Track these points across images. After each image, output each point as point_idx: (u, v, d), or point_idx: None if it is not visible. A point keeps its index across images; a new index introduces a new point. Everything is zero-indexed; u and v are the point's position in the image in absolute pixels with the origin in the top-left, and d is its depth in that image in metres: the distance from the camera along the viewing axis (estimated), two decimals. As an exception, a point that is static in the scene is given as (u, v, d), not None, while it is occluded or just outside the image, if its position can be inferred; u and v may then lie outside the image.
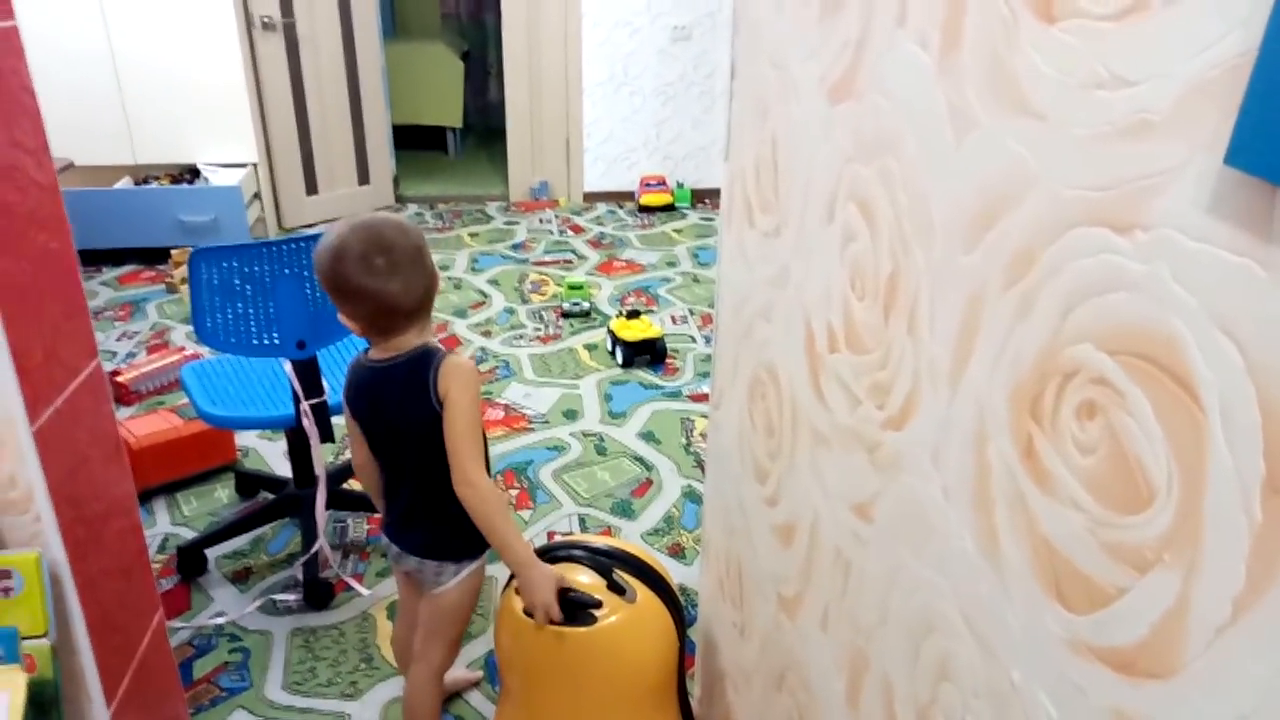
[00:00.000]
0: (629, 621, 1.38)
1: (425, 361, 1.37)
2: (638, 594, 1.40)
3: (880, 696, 0.81)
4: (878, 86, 0.76)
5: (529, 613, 1.36)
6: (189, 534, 2.36)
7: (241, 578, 2.24)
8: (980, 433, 0.63)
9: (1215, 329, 0.42)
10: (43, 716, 1.15)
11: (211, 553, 2.29)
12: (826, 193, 0.89)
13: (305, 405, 2.02)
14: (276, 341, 1.99)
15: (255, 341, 1.98)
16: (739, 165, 1.22)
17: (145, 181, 4.23)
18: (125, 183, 4.22)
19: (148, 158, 4.22)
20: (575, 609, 1.35)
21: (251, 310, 1.96)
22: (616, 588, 1.38)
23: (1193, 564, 0.43)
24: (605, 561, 1.43)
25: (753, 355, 1.19)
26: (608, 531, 2.36)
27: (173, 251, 3.93)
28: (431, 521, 1.43)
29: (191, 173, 4.27)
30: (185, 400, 2.99)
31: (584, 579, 1.40)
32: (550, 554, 1.45)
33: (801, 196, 0.97)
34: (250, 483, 2.55)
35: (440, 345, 1.42)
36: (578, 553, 1.44)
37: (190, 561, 2.22)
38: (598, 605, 1.36)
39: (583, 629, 1.35)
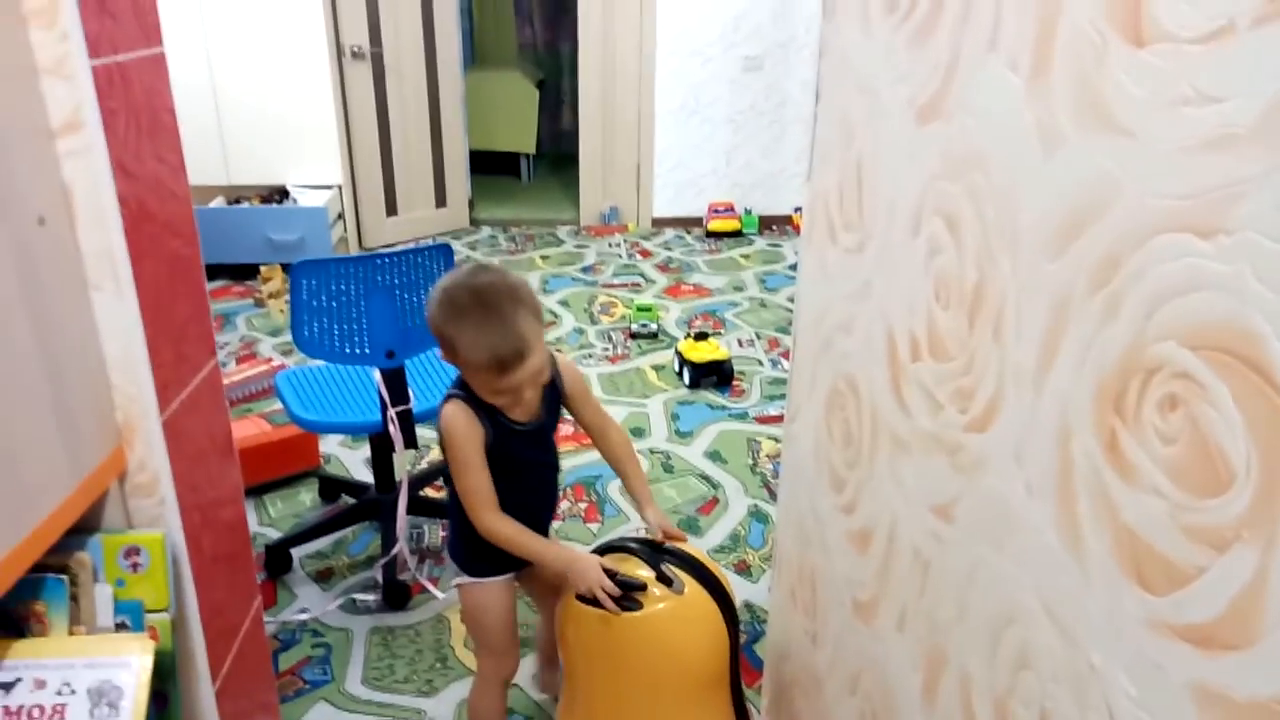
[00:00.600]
0: (675, 611, 1.42)
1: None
2: (686, 587, 1.43)
3: (958, 690, 0.84)
4: (967, 107, 0.81)
5: (583, 599, 1.43)
6: (274, 534, 2.47)
7: (324, 577, 2.33)
8: (1064, 430, 0.67)
9: (1294, 322, 0.46)
10: (161, 685, 1.24)
11: (296, 552, 2.39)
12: (912, 209, 0.94)
13: (392, 412, 2.12)
14: (367, 351, 2.09)
15: (347, 350, 2.09)
16: (822, 185, 1.27)
17: (237, 201, 4.44)
18: (219, 202, 4.45)
19: (241, 179, 4.44)
20: (622, 595, 1.41)
21: (345, 321, 2.06)
22: (664, 579, 1.43)
23: (1271, 539, 0.47)
24: (656, 554, 1.47)
25: (831, 368, 1.24)
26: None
27: (261, 268, 4.12)
28: (453, 524, 1.57)
29: (280, 193, 4.48)
30: (273, 408, 3.14)
31: (635, 570, 1.46)
32: (605, 547, 1.53)
33: (887, 213, 1.02)
34: (333, 487, 2.66)
35: (458, 392, 1.44)
36: (631, 545, 1.51)
37: (277, 560, 2.32)
38: (642, 589, 1.41)
39: (629, 614, 1.40)
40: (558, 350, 3.61)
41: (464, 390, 1.43)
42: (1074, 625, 0.65)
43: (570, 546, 1.48)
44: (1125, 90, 0.59)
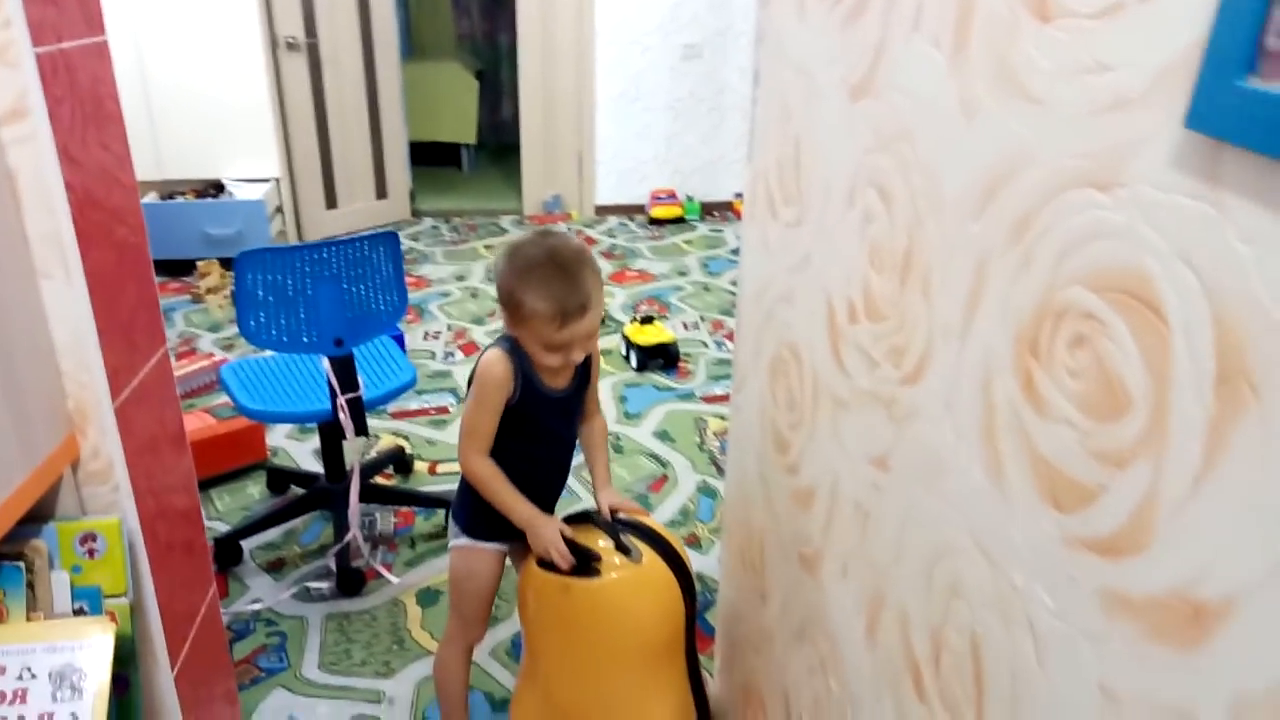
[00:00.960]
0: (632, 581, 1.45)
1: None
2: (644, 557, 1.46)
3: (897, 626, 0.91)
4: (895, 84, 0.87)
5: (543, 564, 1.47)
6: (223, 528, 2.45)
7: (275, 568, 2.33)
8: (987, 376, 0.73)
9: (1179, 262, 0.52)
10: (122, 669, 1.25)
11: (246, 545, 2.38)
12: (847, 182, 1.00)
13: (342, 400, 2.13)
14: (315, 339, 2.09)
15: (295, 339, 2.09)
16: (762, 165, 1.33)
17: (171, 196, 4.35)
18: (152, 197, 4.35)
19: (174, 173, 4.35)
20: (581, 562, 1.44)
21: (292, 310, 2.06)
22: (623, 548, 1.46)
23: (1161, 454, 0.53)
24: (615, 525, 1.51)
25: (774, 337, 1.29)
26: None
27: (198, 263, 4.05)
28: (461, 484, 1.60)
29: (216, 187, 4.40)
30: (216, 402, 3.10)
31: (595, 540, 1.49)
32: (568, 518, 1.56)
33: (823, 188, 1.08)
34: (281, 479, 2.65)
35: (505, 343, 1.48)
36: (593, 516, 1.54)
37: (226, 552, 2.31)
38: (598, 558, 1.44)
39: (587, 581, 1.44)
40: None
41: (510, 343, 1.46)
42: (999, 552, 0.72)
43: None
44: (1034, 62, 0.65)
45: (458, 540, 1.61)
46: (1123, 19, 0.56)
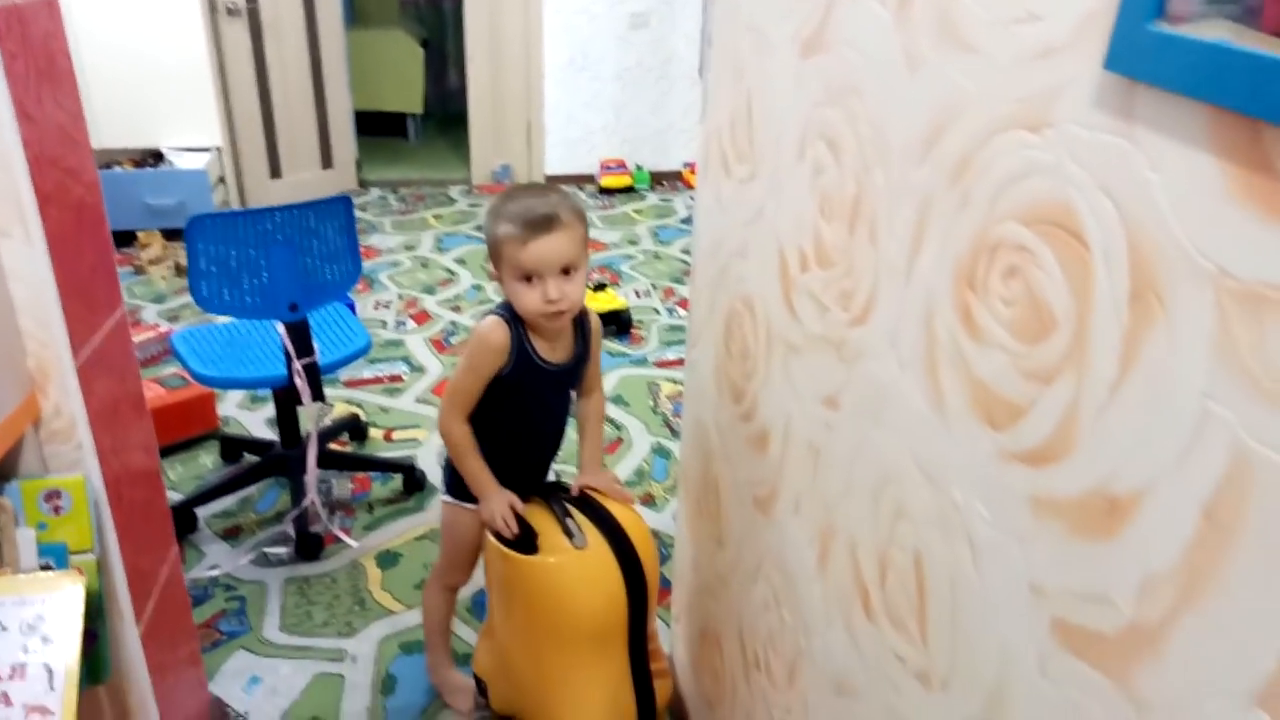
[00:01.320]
0: (569, 565, 1.44)
1: None
2: (588, 542, 1.45)
3: (846, 553, 0.97)
4: (844, 39, 0.92)
5: (495, 534, 1.50)
6: (177, 497, 2.44)
7: (232, 534, 2.33)
8: (929, 311, 0.78)
9: (1099, 193, 0.58)
10: (90, 623, 1.26)
11: (201, 513, 2.38)
12: (798, 136, 1.04)
13: (297, 365, 2.13)
14: (270, 305, 2.09)
15: (249, 304, 2.08)
16: (715, 124, 1.37)
17: (108, 166, 4.24)
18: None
19: (110, 142, 4.24)
20: (522, 537, 1.46)
21: (245, 275, 2.06)
22: (567, 531, 1.46)
23: (1083, 366, 0.59)
24: (565, 505, 1.51)
25: (728, 292, 1.34)
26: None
27: (139, 234, 3.97)
28: None
29: (155, 156, 4.30)
30: (165, 373, 3.06)
31: (544, 518, 1.50)
32: (534, 489, 1.58)
33: (775, 142, 1.12)
34: (234, 447, 2.64)
35: (503, 310, 1.47)
36: (550, 492, 1.55)
37: (181, 520, 2.31)
38: (533, 535, 1.45)
39: (523, 557, 1.44)
40: (455, 308, 3.64)
41: (508, 311, 1.46)
42: (940, 472, 0.78)
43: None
44: (973, 13, 0.70)
45: (444, 496, 1.67)
46: (1051, -28, 0.61)
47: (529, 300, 1.40)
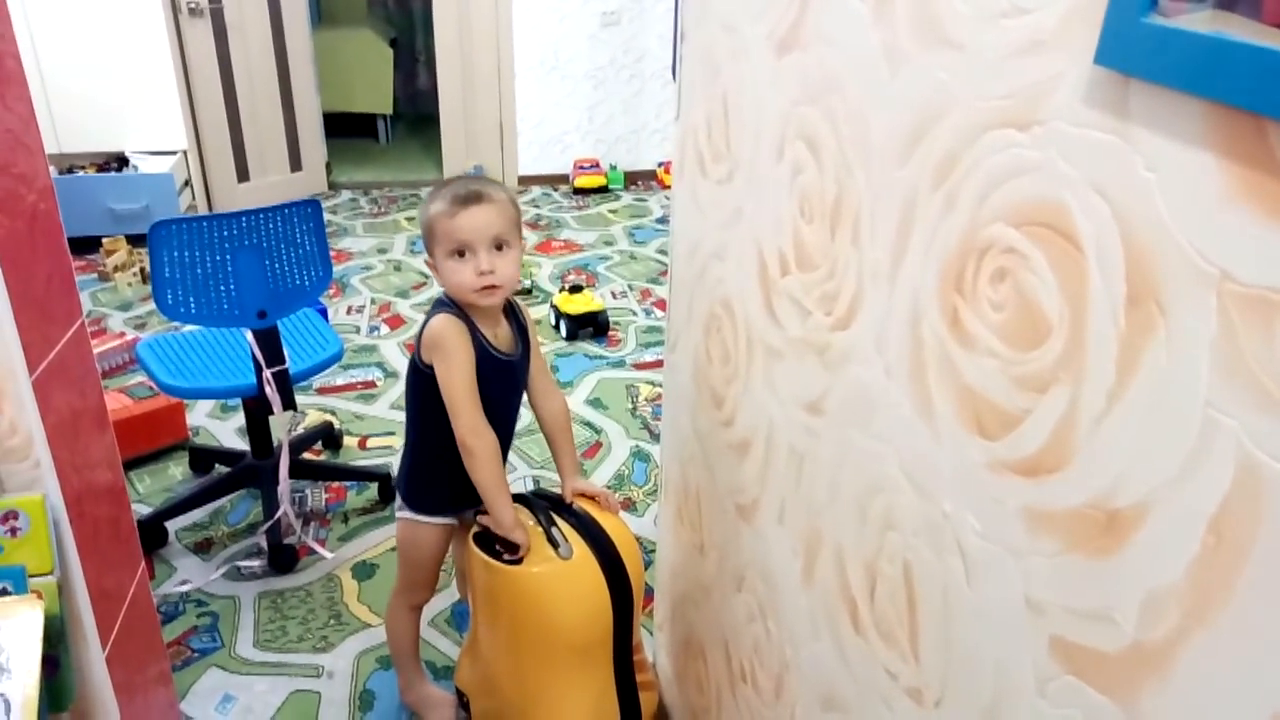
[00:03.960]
0: (553, 576, 1.41)
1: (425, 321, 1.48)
2: (574, 553, 1.42)
3: (833, 563, 0.94)
4: (822, 36, 0.89)
5: (476, 540, 1.46)
6: (145, 510, 2.38)
7: (203, 548, 2.28)
8: (915, 315, 0.76)
9: (1092, 192, 0.55)
10: (51, 649, 1.21)
11: (171, 526, 2.32)
12: (775, 135, 1.02)
13: (267, 373, 2.08)
14: (237, 312, 2.04)
15: (216, 312, 2.03)
16: (690, 123, 1.34)
17: (70, 170, 4.15)
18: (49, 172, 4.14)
19: (72, 146, 4.15)
20: (504, 547, 1.43)
21: (212, 282, 2.00)
22: (552, 541, 1.43)
23: (1079, 374, 0.57)
24: (550, 514, 1.47)
25: (707, 294, 1.32)
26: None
27: (104, 240, 3.88)
28: (405, 454, 1.59)
29: (119, 161, 4.21)
30: (132, 382, 3.00)
31: (530, 525, 1.46)
32: (513, 499, 1.54)
33: (752, 142, 1.10)
34: (204, 458, 2.59)
35: (441, 307, 1.46)
36: (535, 502, 1.51)
37: (150, 534, 2.25)
38: (514, 549, 1.41)
39: (508, 567, 1.41)
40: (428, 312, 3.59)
41: (446, 305, 1.45)
42: (929, 482, 0.75)
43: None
44: (955, 8, 0.68)
45: (401, 511, 1.61)
46: (1037, -36, 0.59)
47: (462, 276, 1.39)
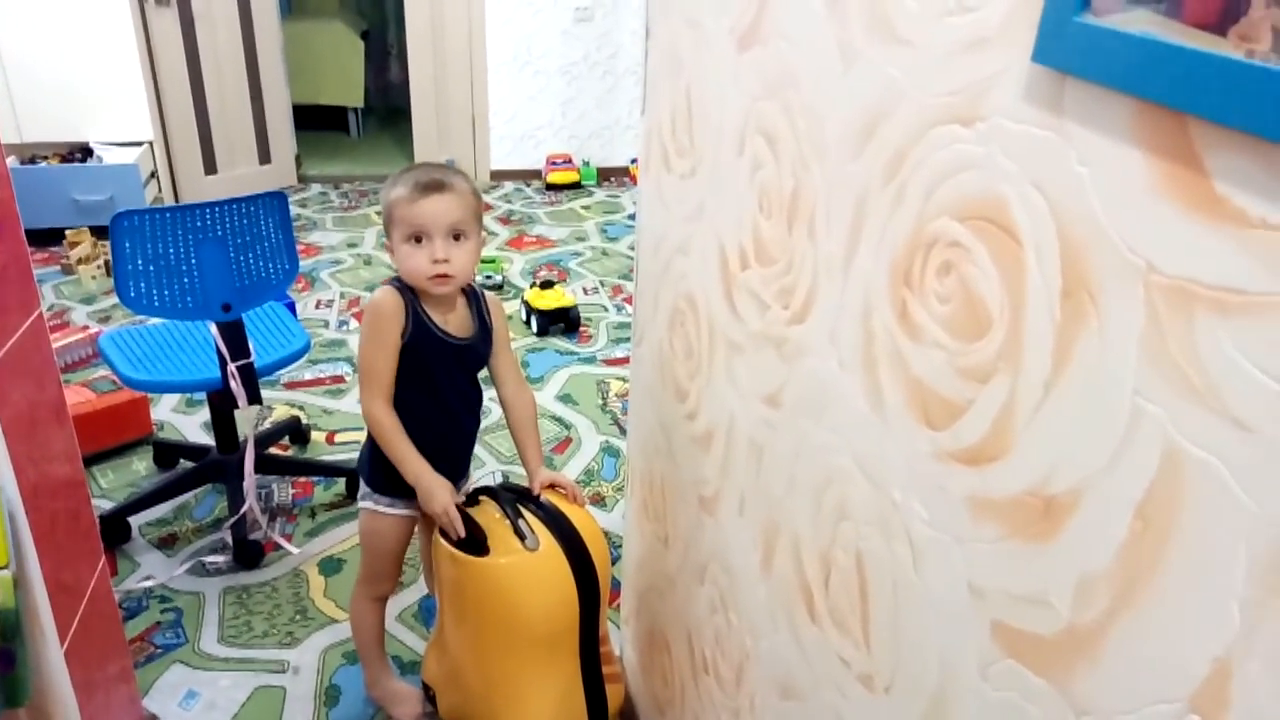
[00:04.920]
0: (521, 567, 1.41)
1: None
2: (541, 544, 1.42)
3: (790, 554, 0.96)
4: (780, 32, 0.90)
5: (442, 531, 1.46)
6: (109, 505, 2.36)
7: (168, 543, 2.26)
8: (867, 308, 0.77)
9: (1030, 186, 0.57)
10: (6, 642, 1.20)
11: (135, 521, 2.30)
12: (736, 130, 1.03)
13: (232, 367, 2.07)
14: (202, 305, 2.02)
15: (180, 305, 2.01)
16: (655, 118, 1.35)
17: (33, 161, 4.09)
18: (11, 162, 4.07)
19: (35, 136, 4.09)
20: (470, 537, 1.42)
21: (175, 275, 1.99)
22: (519, 532, 1.43)
23: (1018, 365, 0.58)
24: (517, 505, 1.47)
25: (671, 288, 1.32)
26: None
27: (67, 232, 3.83)
28: (368, 439, 1.58)
29: (83, 151, 4.15)
30: (94, 376, 2.96)
31: (495, 517, 1.46)
32: (477, 492, 1.54)
33: (715, 137, 1.10)
34: (169, 453, 2.56)
35: (393, 282, 1.48)
36: (500, 494, 1.51)
37: (113, 530, 2.23)
38: (482, 538, 1.41)
39: (472, 558, 1.41)
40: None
41: (397, 282, 1.47)
42: (880, 472, 0.77)
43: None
44: (905, 6, 0.69)
45: (364, 501, 1.60)
46: (981, -37, 0.60)
47: (416, 262, 1.41)
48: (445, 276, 1.41)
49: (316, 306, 3.59)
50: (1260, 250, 0.42)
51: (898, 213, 0.71)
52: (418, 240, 1.40)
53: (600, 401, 2.91)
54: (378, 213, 4.67)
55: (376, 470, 1.56)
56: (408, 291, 1.45)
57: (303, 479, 2.51)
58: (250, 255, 2.05)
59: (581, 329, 3.39)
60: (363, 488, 1.61)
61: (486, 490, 1.53)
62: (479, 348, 1.54)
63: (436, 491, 1.44)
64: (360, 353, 1.47)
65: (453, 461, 1.58)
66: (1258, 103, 0.40)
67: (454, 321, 1.49)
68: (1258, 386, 0.43)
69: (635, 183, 5.11)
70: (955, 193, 0.64)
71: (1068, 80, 0.53)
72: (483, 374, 1.59)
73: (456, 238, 1.41)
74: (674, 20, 1.21)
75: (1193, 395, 0.46)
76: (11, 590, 1.21)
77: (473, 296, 1.54)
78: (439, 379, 1.48)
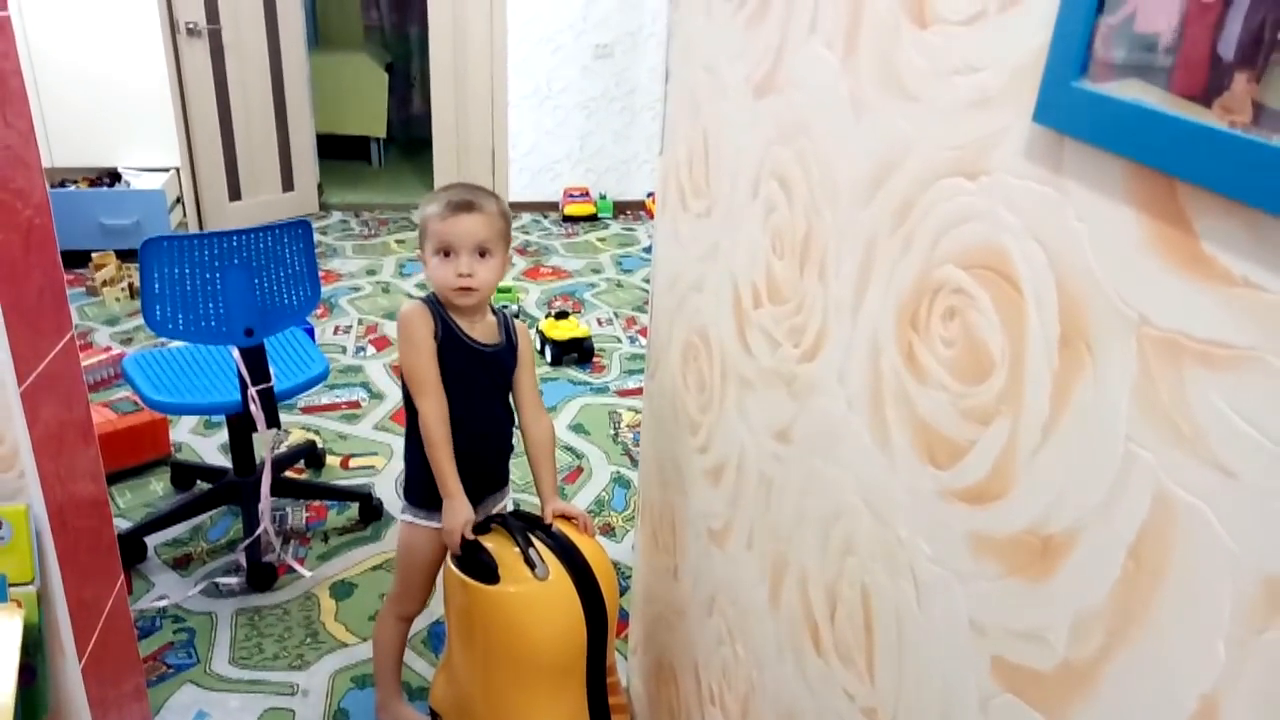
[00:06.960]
0: (530, 597, 1.42)
1: None
2: (550, 574, 1.43)
3: (797, 588, 0.97)
4: (794, 82, 0.94)
5: (454, 558, 1.49)
6: (126, 524, 2.39)
7: (182, 564, 2.29)
8: (874, 349, 0.80)
9: (1030, 239, 0.59)
10: (29, 658, 1.23)
11: (150, 541, 2.33)
12: (751, 174, 1.06)
13: (252, 391, 2.10)
14: (225, 329, 2.06)
15: (204, 329, 2.05)
16: (673, 158, 1.39)
17: (62, 184, 4.18)
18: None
19: (65, 161, 4.18)
20: (480, 565, 1.44)
21: (200, 299, 2.03)
22: (529, 562, 1.44)
23: (1018, 408, 0.61)
24: (528, 534, 1.48)
25: (685, 323, 1.36)
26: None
27: (94, 255, 3.90)
28: (407, 456, 1.63)
29: (112, 176, 4.24)
30: (116, 397, 3.01)
31: (506, 547, 1.47)
32: (490, 520, 1.56)
33: (730, 179, 1.14)
34: (186, 474, 2.60)
35: (424, 297, 1.56)
36: (512, 522, 1.52)
37: (130, 549, 2.26)
38: (493, 566, 1.43)
39: (483, 586, 1.42)
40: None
41: (426, 296, 1.56)
42: (886, 509, 0.79)
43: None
44: (914, 64, 0.72)
45: (404, 515, 1.65)
46: (986, 25, 0.63)
47: (443, 274, 1.50)
48: (469, 289, 1.49)
49: (335, 332, 3.64)
50: (1243, 307, 0.45)
51: (905, 259, 0.74)
52: (446, 254, 1.49)
53: (612, 432, 2.94)
54: (398, 241, 4.74)
55: (418, 483, 1.60)
56: (434, 303, 1.54)
57: (317, 503, 2.53)
58: (274, 281, 2.10)
59: (595, 360, 3.42)
60: (402, 501, 1.66)
61: (498, 518, 1.55)
62: (505, 359, 1.60)
63: (457, 511, 1.49)
64: (403, 365, 1.54)
65: (482, 476, 1.62)
66: (1240, 170, 0.43)
67: (480, 330, 1.56)
68: (1242, 436, 0.45)
69: (651, 216, 5.17)
70: (960, 242, 0.67)
71: (1066, 140, 0.56)
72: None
73: (482, 254, 1.49)
74: (693, 66, 1.25)
75: (1182, 442, 0.48)
76: (36, 606, 1.24)
77: (500, 316, 1.62)
78: (470, 385, 1.55)
